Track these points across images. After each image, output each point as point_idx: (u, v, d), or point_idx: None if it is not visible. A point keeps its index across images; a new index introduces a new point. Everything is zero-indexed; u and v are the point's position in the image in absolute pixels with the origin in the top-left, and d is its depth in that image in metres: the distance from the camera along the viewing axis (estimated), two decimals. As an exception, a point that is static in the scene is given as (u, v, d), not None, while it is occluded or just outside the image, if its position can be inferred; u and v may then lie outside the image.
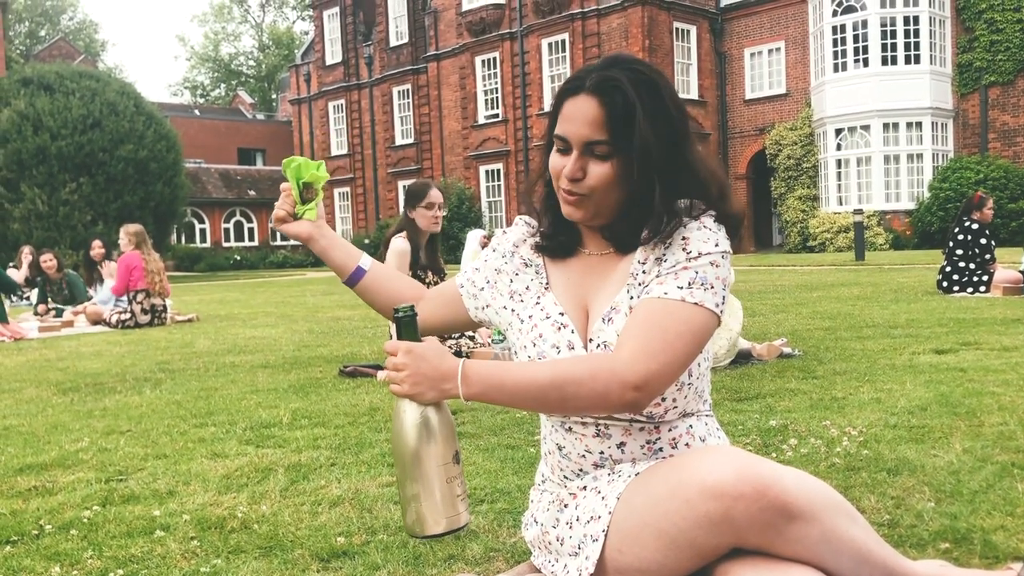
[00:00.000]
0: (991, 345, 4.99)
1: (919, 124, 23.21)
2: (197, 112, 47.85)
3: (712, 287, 1.51)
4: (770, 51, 26.55)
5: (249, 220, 40.21)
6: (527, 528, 1.78)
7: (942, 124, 23.51)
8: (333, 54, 37.92)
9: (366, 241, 32.07)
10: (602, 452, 1.63)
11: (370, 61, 35.60)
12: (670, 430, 1.62)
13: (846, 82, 23.63)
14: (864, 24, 23.36)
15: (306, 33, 55.63)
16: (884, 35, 23.16)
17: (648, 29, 25.68)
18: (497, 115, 30.59)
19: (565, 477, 1.69)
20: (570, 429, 1.65)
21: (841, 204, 23.97)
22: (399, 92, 35.13)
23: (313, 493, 2.58)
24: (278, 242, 39.05)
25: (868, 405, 3.49)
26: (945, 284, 8.78)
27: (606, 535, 1.51)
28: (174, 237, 33.68)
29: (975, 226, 8.61)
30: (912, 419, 3.18)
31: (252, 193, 39.70)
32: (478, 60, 30.90)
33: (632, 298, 1.59)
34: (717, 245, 1.54)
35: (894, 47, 23.13)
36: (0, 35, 30.80)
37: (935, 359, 4.60)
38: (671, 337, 1.47)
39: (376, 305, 1.82)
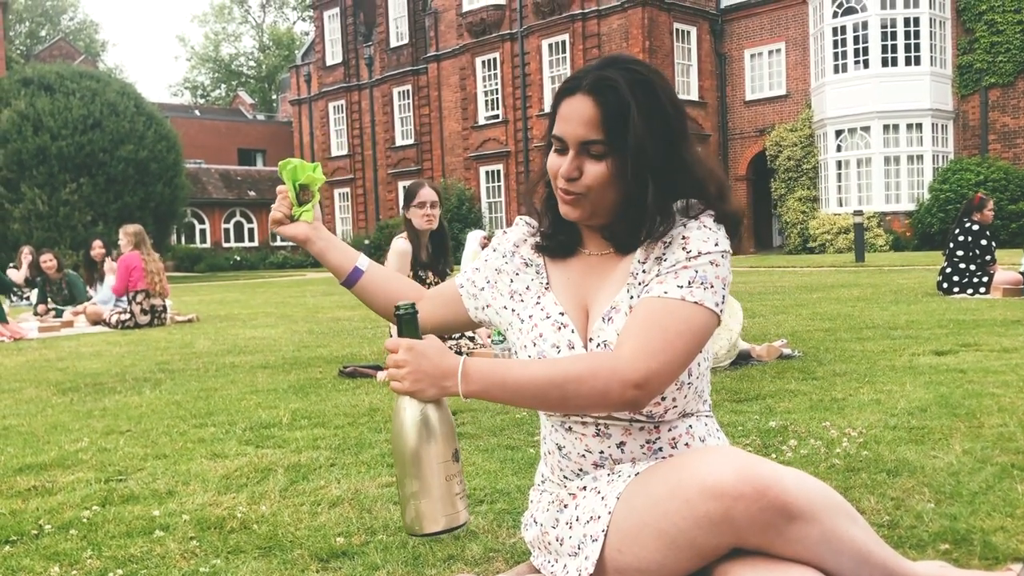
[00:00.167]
0: (991, 346, 4.99)
1: (919, 125, 23.21)
2: (197, 112, 47.86)
3: (712, 286, 1.51)
4: (770, 52, 26.56)
5: (249, 221, 40.22)
6: (527, 528, 1.78)
7: (942, 125, 23.52)
8: (333, 55, 37.94)
9: (366, 242, 32.07)
10: (602, 452, 1.63)
11: (370, 62, 35.61)
12: (670, 430, 1.62)
13: (846, 83, 23.64)
14: (864, 25, 23.36)
15: (306, 34, 55.66)
16: (884, 36, 23.16)
17: (648, 30, 25.68)
18: (497, 116, 30.59)
19: (565, 477, 1.69)
20: (570, 429, 1.65)
21: (841, 205, 23.97)
22: (399, 93, 35.13)
23: (313, 493, 2.58)
24: (278, 243, 39.05)
25: (868, 406, 3.49)
26: (945, 285, 8.78)
27: (606, 535, 1.51)
28: (174, 237, 33.71)
29: (975, 227, 8.61)
30: (912, 420, 3.18)
31: (252, 194, 39.71)
32: (478, 61, 30.90)
33: (632, 297, 1.59)
34: (717, 244, 1.54)
35: (894, 48, 23.14)
36: (0, 35, 30.81)
37: (935, 360, 4.60)
38: (671, 336, 1.47)
39: (374, 306, 1.82)
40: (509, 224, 1.87)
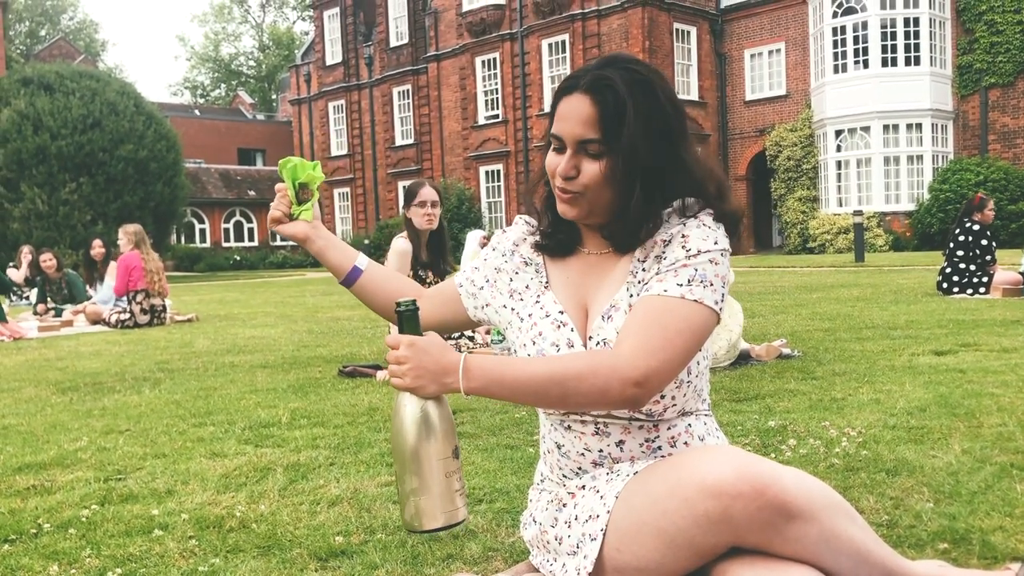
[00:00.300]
0: (990, 346, 4.99)
1: (919, 125, 23.22)
2: (197, 112, 47.86)
3: (711, 284, 1.52)
4: (770, 52, 26.56)
5: (249, 220, 40.21)
6: (525, 527, 1.78)
7: (942, 126, 23.52)
8: (333, 54, 37.94)
9: (366, 242, 32.07)
10: (601, 450, 1.63)
11: (370, 61, 35.61)
12: (669, 428, 1.62)
13: (846, 83, 23.64)
14: (864, 25, 23.36)
15: (306, 33, 55.67)
16: (884, 36, 23.16)
17: (648, 30, 25.69)
18: (497, 116, 30.59)
19: (564, 476, 1.69)
20: (569, 427, 1.65)
21: (841, 205, 23.97)
22: (399, 92, 35.14)
23: (312, 492, 2.58)
24: (278, 242, 39.05)
25: (867, 406, 3.49)
26: (945, 285, 8.78)
27: (604, 534, 1.51)
28: (174, 237, 33.69)
29: (976, 227, 8.62)
30: (911, 420, 3.18)
31: (252, 193, 39.71)
32: (478, 61, 30.90)
33: (632, 296, 1.59)
34: (716, 243, 1.54)
35: (894, 48, 23.14)
36: (0, 34, 30.80)
37: (934, 360, 4.60)
38: (671, 334, 1.47)
39: (374, 305, 1.82)
40: (509, 224, 1.87)
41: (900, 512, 2.17)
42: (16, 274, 13.01)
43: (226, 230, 39.40)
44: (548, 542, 1.67)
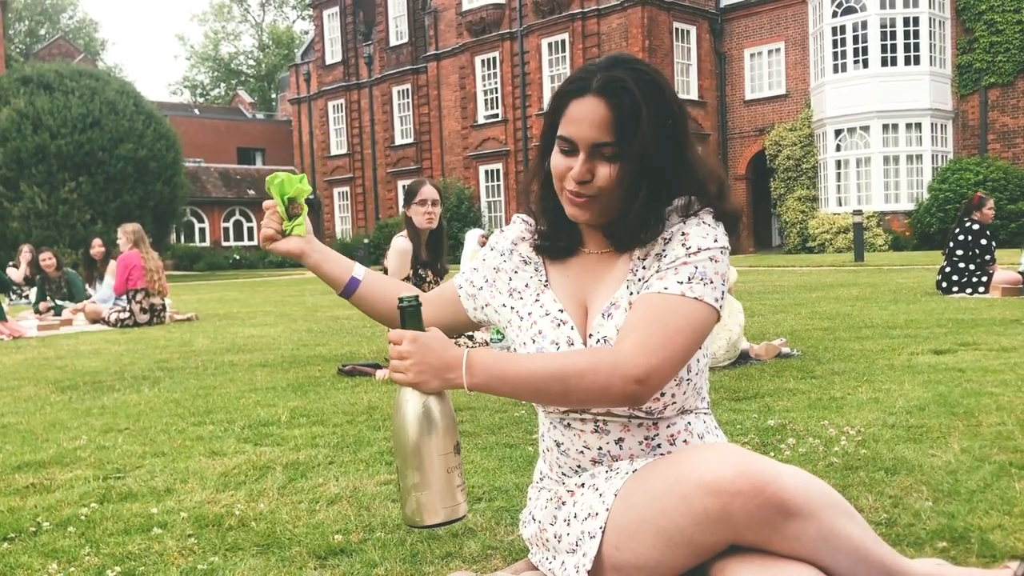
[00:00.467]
0: (989, 346, 4.99)
1: (919, 125, 23.22)
2: (197, 111, 47.82)
3: (711, 282, 1.52)
4: (770, 52, 26.56)
5: (248, 219, 40.20)
6: (525, 526, 1.79)
7: (941, 125, 23.52)
8: (333, 54, 37.93)
9: (365, 241, 32.06)
10: (600, 448, 1.63)
11: (370, 61, 35.60)
12: (668, 426, 1.62)
13: (846, 83, 23.64)
14: (864, 25, 23.36)
15: (306, 32, 55.67)
16: (884, 36, 23.16)
17: (648, 29, 25.69)
18: (497, 115, 30.59)
19: (563, 474, 1.70)
20: (569, 425, 1.65)
21: (840, 205, 23.97)
22: (399, 92, 35.13)
23: (311, 491, 2.58)
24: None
25: (866, 405, 3.49)
26: (944, 285, 8.78)
27: (603, 532, 1.51)
28: (173, 236, 33.65)
29: (975, 226, 8.62)
30: (910, 419, 3.18)
31: (251, 192, 39.70)
32: (478, 60, 30.90)
33: (632, 294, 1.60)
34: (716, 241, 1.54)
35: (894, 48, 23.14)
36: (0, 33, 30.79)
37: (933, 359, 4.60)
38: (671, 332, 1.47)
39: (375, 314, 1.80)
40: (508, 223, 1.86)
41: (899, 510, 2.17)
42: (16, 274, 13.00)
43: (225, 229, 39.38)
44: (547, 540, 1.67)
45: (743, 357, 4.86)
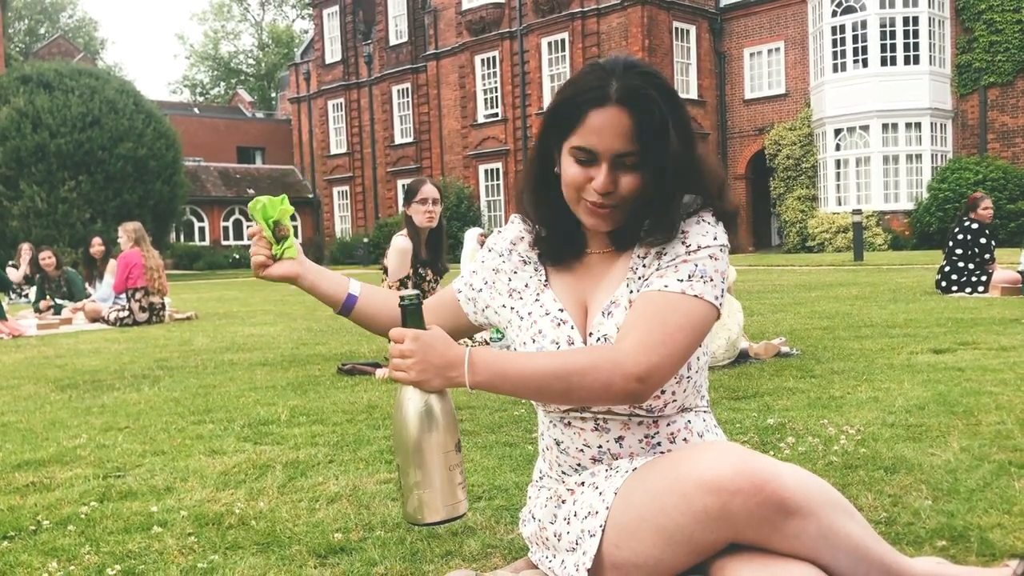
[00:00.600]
0: (989, 345, 5.00)
1: (918, 125, 23.22)
2: (196, 110, 47.79)
3: (711, 280, 1.52)
4: (769, 51, 26.56)
5: (248, 219, 40.17)
6: (525, 524, 1.79)
7: (941, 125, 23.53)
8: (333, 53, 37.92)
9: (365, 240, 32.09)
10: (600, 446, 1.63)
11: (369, 60, 35.59)
12: (668, 425, 1.62)
13: (845, 82, 23.64)
14: (863, 24, 23.37)
15: (306, 31, 55.60)
16: (883, 35, 23.17)
17: (648, 29, 25.68)
18: (496, 114, 30.59)
19: (563, 473, 1.70)
20: (569, 424, 1.66)
21: (840, 204, 23.98)
22: (398, 91, 35.12)
23: (311, 490, 2.58)
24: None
25: (866, 404, 3.49)
26: (944, 284, 8.79)
27: (603, 531, 1.51)
28: (173, 235, 33.65)
29: (974, 226, 8.63)
30: (910, 418, 3.19)
31: (251, 191, 39.66)
32: (477, 59, 30.90)
33: (632, 292, 1.60)
34: (716, 239, 1.55)
35: (893, 48, 23.14)
36: (-1, 32, 30.79)
37: (933, 359, 4.61)
38: (671, 329, 1.48)
39: (375, 327, 1.76)
40: (507, 222, 1.85)
41: (898, 509, 2.17)
42: (15, 274, 13.01)
43: (225, 228, 39.36)
44: (547, 538, 1.67)
45: (742, 356, 4.86)
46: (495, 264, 1.77)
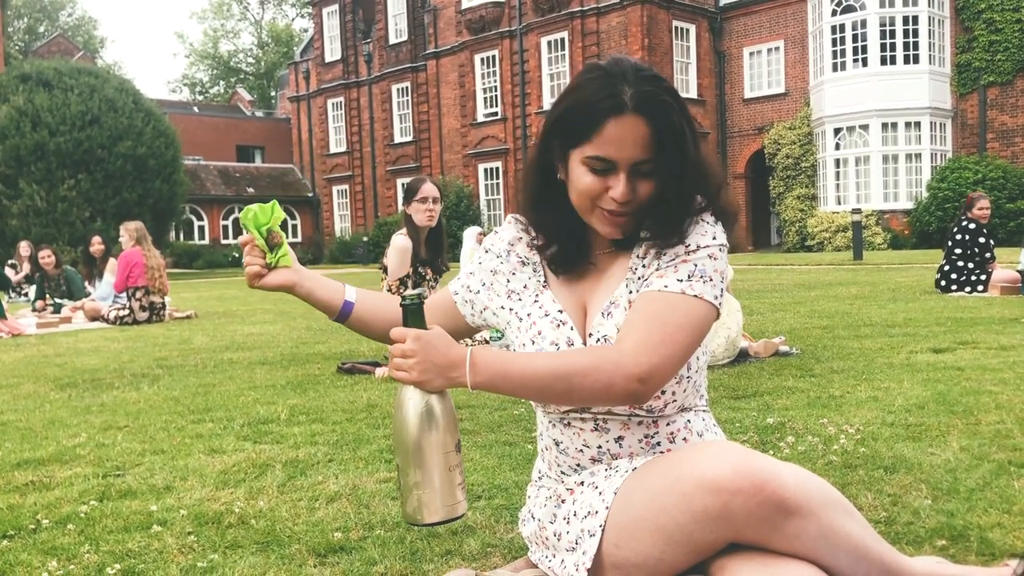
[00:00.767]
0: (988, 344, 5.00)
1: (918, 124, 23.22)
2: (196, 109, 47.77)
3: (711, 280, 1.52)
4: (769, 50, 26.55)
5: (240, 225, 40.08)
6: (524, 524, 1.79)
7: (940, 124, 23.53)
8: (332, 51, 37.89)
9: (364, 239, 32.07)
10: (600, 446, 1.63)
11: (369, 59, 35.57)
12: (668, 425, 1.62)
13: (845, 82, 23.64)
14: (863, 24, 23.37)
15: (305, 30, 55.54)
16: (883, 35, 23.17)
17: (647, 28, 25.68)
18: (496, 113, 30.58)
19: (562, 473, 1.70)
20: (568, 424, 1.65)
21: (839, 204, 23.98)
22: (398, 90, 35.11)
23: (310, 489, 2.58)
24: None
25: (865, 403, 3.49)
26: (943, 283, 8.79)
27: (603, 530, 1.51)
28: (173, 234, 33.64)
29: (972, 225, 8.64)
30: (909, 417, 3.19)
31: (251, 190, 39.66)
32: (477, 58, 30.89)
33: (631, 292, 1.60)
34: (715, 238, 1.55)
35: (893, 47, 23.14)
36: (-1, 31, 30.76)
37: (933, 358, 4.61)
38: (672, 329, 1.48)
39: (372, 333, 1.75)
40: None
41: (898, 509, 2.17)
42: (15, 276, 13.02)
43: (225, 227, 39.34)
44: (547, 538, 1.67)
45: (742, 355, 4.87)
46: (493, 265, 1.76)
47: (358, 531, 2.18)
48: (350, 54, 36.98)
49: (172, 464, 2.95)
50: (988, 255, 8.62)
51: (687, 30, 26.94)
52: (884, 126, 23.39)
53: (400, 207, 5.40)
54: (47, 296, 11.04)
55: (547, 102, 28.25)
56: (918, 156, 23.30)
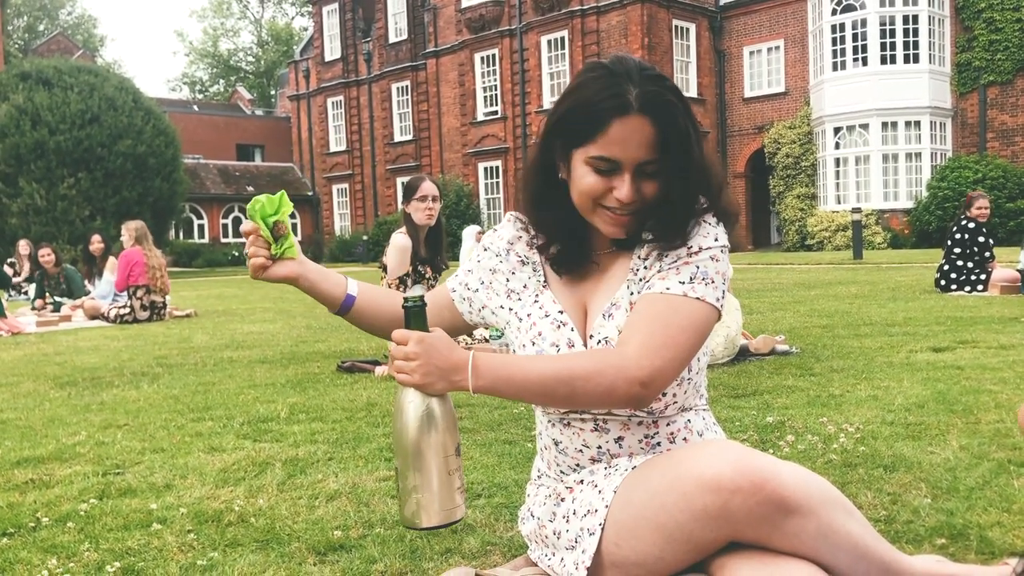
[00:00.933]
0: (988, 343, 5.00)
1: (918, 123, 23.22)
2: (196, 108, 47.74)
3: (712, 281, 1.52)
4: (769, 49, 26.54)
5: (247, 216, 40.11)
6: (524, 522, 1.78)
7: (940, 123, 23.52)
8: (332, 50, 37.88)
9: (364, 238, 32.06)
10: (599, 447, 1.62)
11: (369, 57, 35.56)
12: (668, 425, 1.62)
13: (845, 81, 23.63)
14: (863, 23, 23.36)
15: (305, 29, 55.53)
16: (883, 34, 23.16)
17: (647, 27, 25.67)
18: (496, 112, 30.57)
19: (561, 472, 1.69)
20: (568, 424, 1.65)
21: (839, 203, 23.97)
22: (398, 89, 35.09)
23: (310, 487, 2.58)
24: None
25: (865, 402, 3.49)
26: (943, 283, 8.80)
27: (603, 529, 1.51)
28: (172, 233, 33.64)
29: (971, 225, 8.64)
30: (909, 416, 3.19)
31: (251, 189, 39.63)
32: (477, 57, 30.87)
33: (632, 294, 1.59)
34: (717, 240, 1.55)
35: (893, 46, 23.14)
36: (-2, 29, 30.75)
37: (932, 357, 4.61)
38: (674, 332, 1.47)
39: (370, 328, 1.73)
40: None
41: (898, 507, 2.17)
42: (17, 278, 13.03)
43: (224, 226, 39.34)
44: (546, 536, 1.67)
45: (742, 353, 4.87)
46: (492, 264, 1.75)
47: (358, 529, 2.18)
48: (350, 53, 36.96)
49: (172, 462, 2.95)
50: (988, 254, 8.62)
51: (687, 29, 26.93)
52: (884, 125, 23.38)
53: (400, 206, 5.39)
54: (47, 295, 11.04)
55: (547, 101, 28.26)
56: (918, 155, 23.29)
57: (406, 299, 1.47)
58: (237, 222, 39.71)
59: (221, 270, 30.33)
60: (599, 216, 1.55)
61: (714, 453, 1.41)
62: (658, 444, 1.62)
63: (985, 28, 22.75)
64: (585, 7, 26.95)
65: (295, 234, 1.66)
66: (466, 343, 5.35)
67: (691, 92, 26.73)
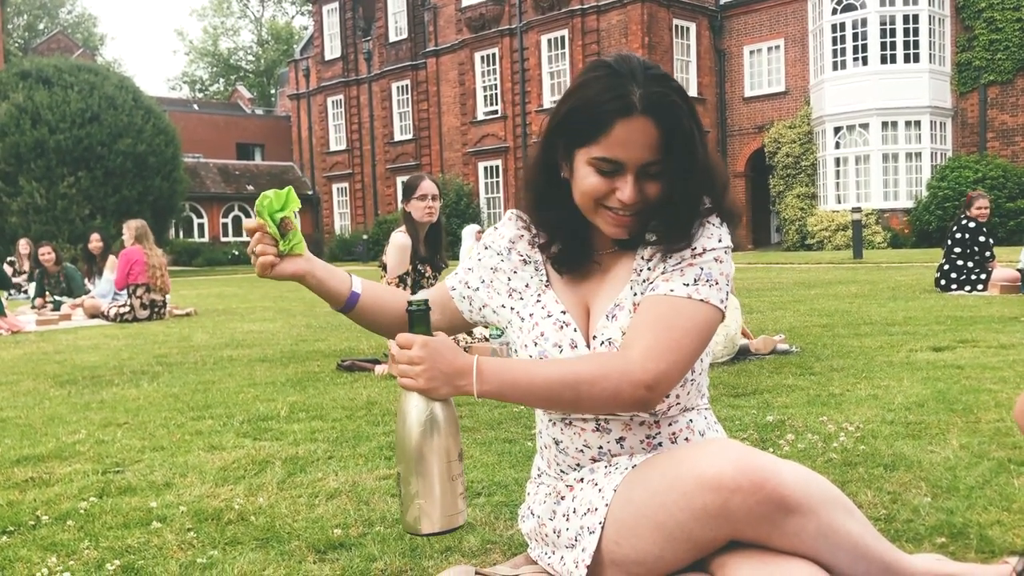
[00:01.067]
0: (988, 343, 5.00)
1: (918, 123, 23.21)
2: (196, 107, 47.72)
3: (716, 283, 1.52)
4: (769, 49, 26.54)
5: (247, 215, 40.14)
6: (524, 520, 1.78)
7: (941, 123, 23.52)
8: (332, 49, 37.88)
9: (364, 237, 32.06)
10: (600, 447, 1.62)
11: (369, 56, 35.56)
12: (670, 425, 1.62)
13: (845, 80, 23.63)
14: (864, 22, 23.35)
15: (305, 28, 55.51)
16: (884, 34, 23.16)
17: (648, 26, 25.66)
18: (496, 111, 30.57)
19: (561, 471, 1.69)
20: (570, 423, 1.64)
21: (839, 202, 23.97)
22: (398, 88, 35.09)
23: (310, 485, 2.58)
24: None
25: (865, 401, 3.49)
26: (943, 282, 8.80)
27: (603, 527, 1.51)
28: (172, 232, 33.63)
29: (971, 224, 8.64)
30: (909, 415, 3.19)
31: (250, 188, 39.64)
32: (477, 56, 30.87)
33: (636, 295, 1.58)
34: (720, 241, 1.54)
35: (893, 46, 23.14)
36: (-2, 28, 30.74)
37: (932, 356, 4.61)
38: (678, 335, 1.47)
39: (373, 326, 1.72)
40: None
41: (898, 506, 2.17)
42: (17, 277, 13.04)
43: (224, 225, 39.34)
44: (546, 535, 1.66)
45: (742, 352, 4.87)
46: (493, 263, 1.74)
47: (358, 528, 2.18)
48: (350, 52, 36.96)
49: (172, 461, 2.95)
50: (988, 254, 8.63)
51: (687, 28, 26.92)
52: (884, 125, 23.38)
53: (400, 205, 5.39)
54: (47, 293, 11.04)
55: (547, 100, 28.26)
56: (918, 155, 23.29)
57: (411, 302, 1.46)
58: (237, 221, 39.73)
59: (221, 269, 30.34)
60: (601, 216, 1.55)
61: (715, 452, 1.40)
62: (660, 444, 1.61)
63: (985, 28, 22.75)
64: (585, 6, 26.95)
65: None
66: (466, 342, 5.35)
67: (691, 91, 26.71)
